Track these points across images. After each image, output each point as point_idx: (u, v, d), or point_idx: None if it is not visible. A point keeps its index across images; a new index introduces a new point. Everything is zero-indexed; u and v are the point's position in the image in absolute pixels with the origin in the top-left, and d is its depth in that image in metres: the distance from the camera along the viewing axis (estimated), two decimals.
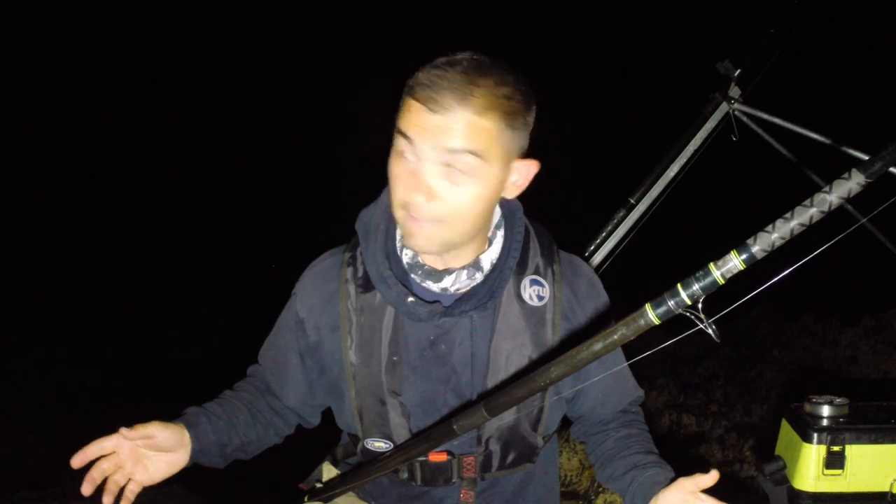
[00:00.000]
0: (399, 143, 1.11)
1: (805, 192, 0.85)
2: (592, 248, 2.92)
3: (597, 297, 1.33)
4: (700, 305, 0.91)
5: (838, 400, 1.61)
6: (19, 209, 9.49)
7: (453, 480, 1.30)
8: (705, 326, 0.91)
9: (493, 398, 1.05)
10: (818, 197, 0.85)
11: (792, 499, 1.61)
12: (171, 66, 12.63)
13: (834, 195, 0.83)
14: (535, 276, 1.26)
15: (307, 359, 1.32)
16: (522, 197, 1.27)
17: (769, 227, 0.87)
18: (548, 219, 1.35)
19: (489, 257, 1.24)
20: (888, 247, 2.74)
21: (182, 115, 11.86)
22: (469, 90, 1.05)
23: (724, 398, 4.44)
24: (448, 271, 1.22)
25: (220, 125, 11.84)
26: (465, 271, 1.22)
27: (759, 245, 0.87)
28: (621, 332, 0.94)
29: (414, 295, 1.20)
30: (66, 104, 11.43)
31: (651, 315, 0.92)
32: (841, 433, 1.54)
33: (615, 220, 2.92)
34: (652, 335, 0.96)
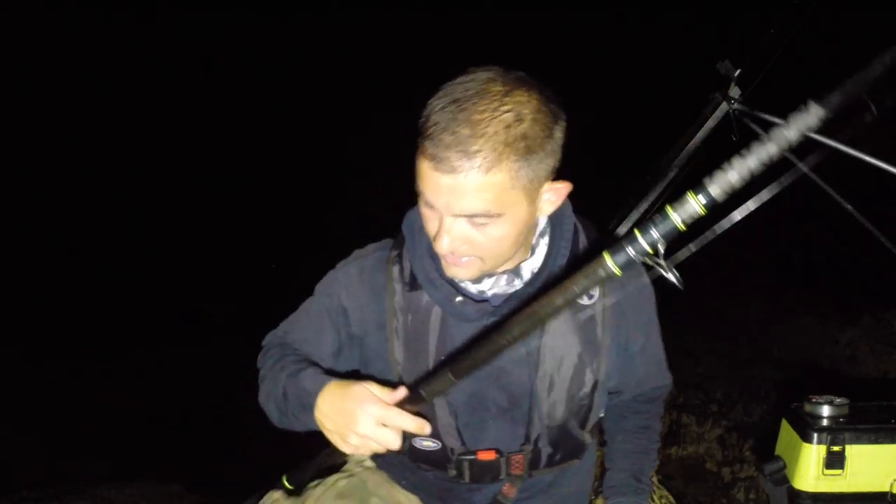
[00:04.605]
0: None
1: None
2: None
3: (644, 294, 1.32)
4: (661, 250, 0.87)
5: (838, 400, 1.62)
6: (23, 206, 9.50)
7: (501, 478, 1.30)
8: (665, 272, 0.87)
9: (457, 361, 1.02)
10: (775, 132, 0.80)
11: (792, 499, 1.61)
12: (171, 64, 12.63)
13: (792, 129, 0.78)
14: None
15: (346, 347, 1.30)
16: None
17: (724, 165, 0.81)
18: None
19: (530, 266, 1.22)
20: (888, 247, 2.74)
21: (182, 115, 11.86)
22: (475, 144, 0.98)
23: (724, 398, 4.44)
24: (487, 275, 1.20)
25: (220, 124, 11.84)
26: (505, 276, 1.20)
27: (717, 185, 0.81)
28: (582, 282, 0.91)
29: (462, 294, 1.20)
30: (67, 103, 11.44)
31: (610, 264, 0.89)
32: (841, 433, 1.55)
33: (614, 221, 2.92)
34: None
